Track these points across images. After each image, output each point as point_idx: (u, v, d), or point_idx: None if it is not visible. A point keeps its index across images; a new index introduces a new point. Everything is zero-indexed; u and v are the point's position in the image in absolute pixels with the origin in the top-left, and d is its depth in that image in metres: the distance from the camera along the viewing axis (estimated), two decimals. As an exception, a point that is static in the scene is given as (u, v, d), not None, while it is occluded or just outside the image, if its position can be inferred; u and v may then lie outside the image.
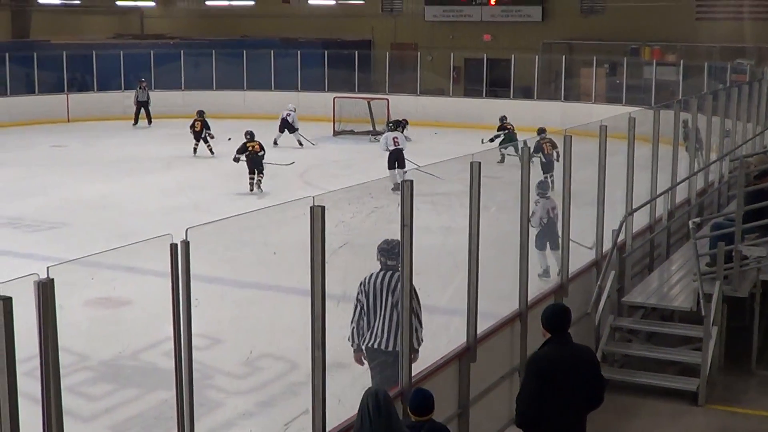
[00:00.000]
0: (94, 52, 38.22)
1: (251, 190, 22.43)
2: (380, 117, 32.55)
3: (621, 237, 11.98)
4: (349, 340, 8.94)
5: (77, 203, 20.73)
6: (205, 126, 28.33)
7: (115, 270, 12.67)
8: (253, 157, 22.77)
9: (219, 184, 23.43)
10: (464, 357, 8.78)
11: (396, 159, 22.57)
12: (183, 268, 5.83)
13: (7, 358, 4.76)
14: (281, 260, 13.14)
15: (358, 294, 8.91)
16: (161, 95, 36.86)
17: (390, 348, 8.64)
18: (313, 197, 6.78)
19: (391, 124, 26.68)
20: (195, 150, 28.41)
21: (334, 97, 33.28)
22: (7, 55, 36.49)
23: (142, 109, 35.50)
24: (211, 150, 27.96)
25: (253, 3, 44.43)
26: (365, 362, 8.92)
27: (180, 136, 30.65)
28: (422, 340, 8.67)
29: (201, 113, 28.95)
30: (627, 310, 11.87)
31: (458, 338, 9.04)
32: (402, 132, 25.57)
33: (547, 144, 19.00)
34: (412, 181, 7.71)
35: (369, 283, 8.93)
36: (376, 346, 8.77)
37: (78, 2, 45.46)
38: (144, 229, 17.38)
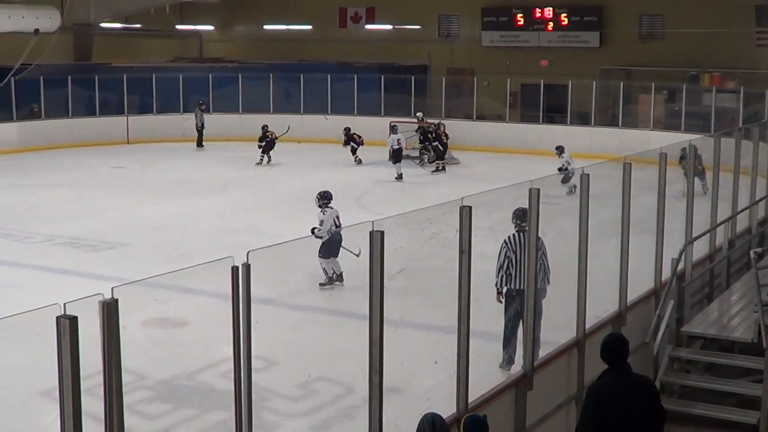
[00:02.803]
0: (153, 75, 38.64)
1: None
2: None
3: (680, 266, 11.88)
4: (496, 285, 10.94)
5: (136, 224, 20.90)
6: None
7: (172, 291, 12.81)
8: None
9: (274, 206, 23.53)
10: (521, 384, 8.75)
11: (398, 155, 28.26)
12: (243, 290, 5.87)
13: (72, 376, 4.82)
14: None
15: (506, 251, 10.96)
16: (219, 118, 37.17)
17: (522, 287, 10.30)
18: (372, 222, 6.79)
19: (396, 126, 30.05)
20: (263, 160, 31.23)
21: (391, 122, 33.31)
22: (69, 77, 37.01)
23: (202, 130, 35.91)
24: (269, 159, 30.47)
25: (310, 27, 44.69)
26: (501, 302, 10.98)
27: (237, 158, 30.94)
28: (550, 281, 10.95)
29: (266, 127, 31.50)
30: (686, 341, 11.74)
31: (515, 365, 9.01)
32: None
33: None
34: (470, 208, 7.71)
35: (513, 242, 10.98)
36: (517, 287, 10.80)
37: (139, 26, 45.98)
38: (200, 250, 17.52)
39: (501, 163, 31.36)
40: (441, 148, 30.93)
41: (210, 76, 39.30)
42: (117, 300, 5.07)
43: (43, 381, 10.06)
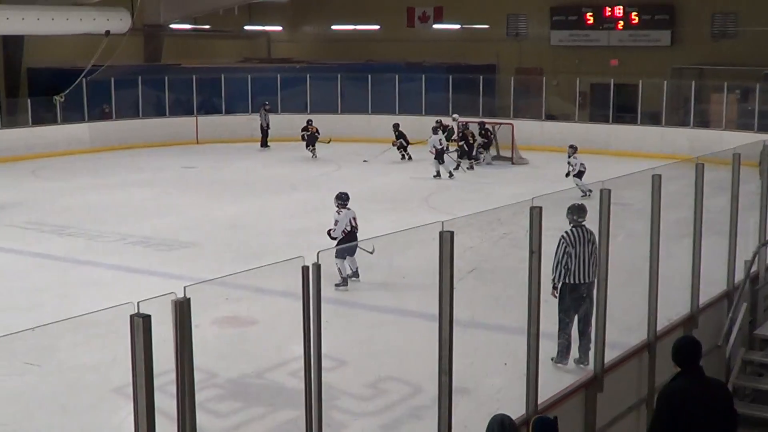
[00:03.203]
0: (222, 76, 38.96)
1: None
2: (504, 142, 32.45)
3: (754, 268, 11.72)
4: (553, 280, 10.92)
5: (207, 223, 21.09)
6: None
7: (243, 290, 12.92)
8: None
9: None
10: (591, 386, 8.69)
11: (440, 155, 28.32)
12: (314, 289, 5.89)
13: (145, 375, 4.88)
14: (407, 284, 13.24)
15: (566, 246, 11.01)
16: (287, 118, 37.35)
17: (586, 280, 10.90)
18: (443, 222, 6.79)
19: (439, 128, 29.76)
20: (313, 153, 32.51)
21: (459, 122, 33.24)
22: (140, 78, 37.48)
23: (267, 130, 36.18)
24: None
25: (378, 27, 44.74)
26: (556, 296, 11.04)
27: (305, 158, 31.10)
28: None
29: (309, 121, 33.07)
30: (759, 344, 11.58)
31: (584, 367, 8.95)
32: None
33: None
34: (540, 208, 7.67)
35: (573, 237, 11.06)
36: (575, 281, 10.98)
37: (208, 27, 46.39)
38: (270, 250, 17.63)
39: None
40: (466, 149, 31.37)
41: (278, 76, 39.49)
42: (189, 299, 5.13)
43: (116, 378, 10.20)
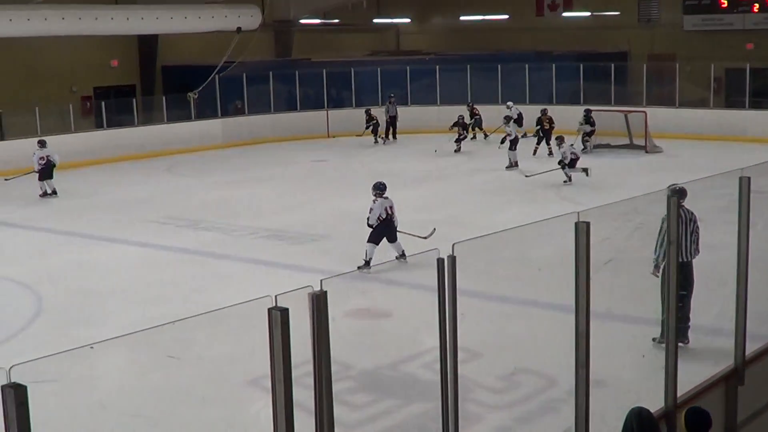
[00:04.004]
0: (352, 69, 39.21)
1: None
2: (637, 130, 31.89)
3: None
4: (656, 260, 10.86)
5: (338, 216, 21.22)
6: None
7: (376, 282, 12.99)
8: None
9: (473, 198, 23.54)
10: (731, 379, 8.49)
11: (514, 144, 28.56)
12: (449, 282, 5.87)
13: (284, 368, 4.92)
14: (541, 275, 13.05)
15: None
16: (417, 110, 37.41)
17: (686, 259, 10.81)
18: (578, 213, 6.70)
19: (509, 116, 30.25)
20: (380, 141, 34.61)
21: (590, 110, 32.80)
22: (271, 74, 38.00)
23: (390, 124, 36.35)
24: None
25: (507, 17, 44.47)
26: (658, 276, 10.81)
27: (433, 150, 31.07)
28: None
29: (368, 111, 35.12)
30: None
31: (725, 359, 8.75)
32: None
33: None
34: (677, 197, 7.51)
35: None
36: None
37: (337, 21, 46.75)
38: (402, 242, 17.67)
39: (705, 150, 30.46)
40: (541, 135, 31.19)
41: (407, 68, 39.55)
42: (326, 292, 5.15)
43: (251, 370, 10.34)
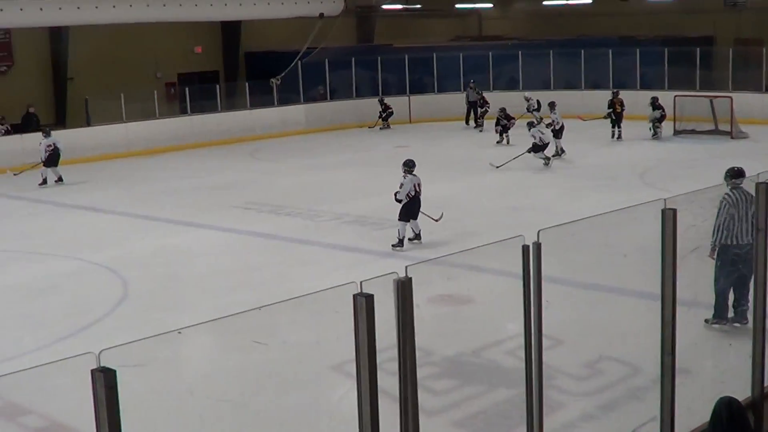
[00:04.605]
0: (434, 55, 39.13)
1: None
2: (723, 116, 31.36)
3: None
4: (714, 242, 11.16)
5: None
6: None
7: (459, 268, 12.95)
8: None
9: (556, 183, 23.40)
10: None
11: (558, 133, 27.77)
12: (535, 268, 5.85)
13: (368, 353, 4.94)
14: (625, 262, 12.94)
15: (728, 207, 11.19)
16: (499, 96, 37.26)
17: (745, 241, 10.89)
18: (665, 200, 6.62)
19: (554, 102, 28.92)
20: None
21: (675, 96, 32.35)
22: (353, 59, 38.10)
23: (472, 110, 36.21)
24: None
25: (590, 1, 44.04)
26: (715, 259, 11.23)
27: (516, 136, 30.88)
28: None
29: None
30: None
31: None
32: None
33: None
34: (766, 184, 7.38)
35: (733, 197, 11.24)
36: (736, 242, 11.14)
37: (419, 7, 46.68)
38: (484, 228, 17.65)
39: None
40: (613, 117, 31.01)
41: (490, 54, 39.38)
42: (411, 279, 5.16)
43: (335, 356, 10.40)
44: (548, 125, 27.79)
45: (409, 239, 17.13)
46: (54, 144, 26.09)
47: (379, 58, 38.75)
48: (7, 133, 29.80)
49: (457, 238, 17.10)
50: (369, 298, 4.93)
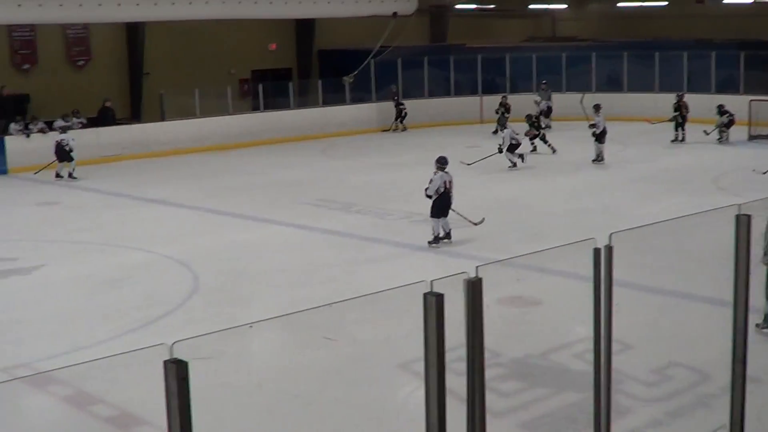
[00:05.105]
0: (507, 56, 38.99)
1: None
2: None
3: None
4: (765, 249, 10.51)
5: (490, 202, 21.14)
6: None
7: (527, 270, 12.93)
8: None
9: (627, 187, 23.19)
10: None
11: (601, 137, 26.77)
12: (605, 272, 5.83)
13: (437, 353, 4.97)
14: (697, 268, 12.87)
15: None
16: (571, 97, 36.99)
17: None
18: (739, 206, 6.56)
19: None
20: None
21: (751, 100, 31.89)
22: (426, 58, 38.11)
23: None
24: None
25: (666, 3, 43.59)
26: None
27: (587, 138, 30.67)
28: None
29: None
30: None
31: None
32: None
33: None
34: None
35: None
36: None
37: (492, 7, 46.55)
38: (554, 230, 17.57)
39: None
40: (680, 121, 30.64)
41: (563, 55, 39.11)
42: (481, 279, 5.17)
43: (402, 354, 10.44)
44: (590, 127, 27.39)
45: (440, 238, 17.24)
46: (63, 140, 26.41)
47: (451, 57, 38.69)
48: (84, 126, 30.19)
49: (527, 240, 17.05)
50: (439, 298, 4.96)
